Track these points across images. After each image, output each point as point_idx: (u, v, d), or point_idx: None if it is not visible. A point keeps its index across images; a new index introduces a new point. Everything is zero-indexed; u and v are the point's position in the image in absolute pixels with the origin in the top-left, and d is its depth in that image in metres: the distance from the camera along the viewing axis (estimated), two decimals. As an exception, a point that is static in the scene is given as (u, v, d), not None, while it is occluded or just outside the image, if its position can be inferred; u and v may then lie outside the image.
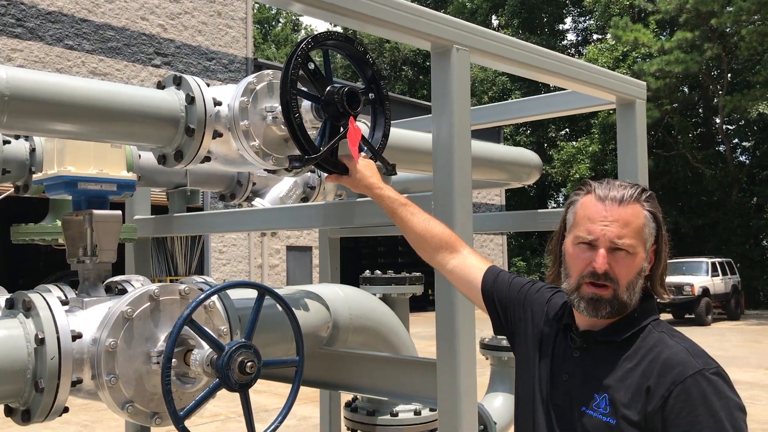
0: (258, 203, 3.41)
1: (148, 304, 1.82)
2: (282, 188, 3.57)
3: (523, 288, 1.87)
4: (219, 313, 1.96)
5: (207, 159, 2.10)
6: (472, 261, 1.96)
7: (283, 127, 2.04)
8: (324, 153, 1.86)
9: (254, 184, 3.46)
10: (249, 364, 1.71)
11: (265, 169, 2.23)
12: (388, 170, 2.04)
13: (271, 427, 1.85)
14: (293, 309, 1.99)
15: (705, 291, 21.82)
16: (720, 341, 17.09)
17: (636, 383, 1.52)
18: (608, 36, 33.18)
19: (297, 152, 1.92)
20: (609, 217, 1.58)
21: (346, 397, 3.47)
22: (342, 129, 1.91)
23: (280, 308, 2.50)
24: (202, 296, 1.73)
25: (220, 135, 2.05)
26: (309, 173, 3.68)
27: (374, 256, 28.63)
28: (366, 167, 1.99)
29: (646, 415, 1.48)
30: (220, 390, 1.75)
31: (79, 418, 8.86)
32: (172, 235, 3.35)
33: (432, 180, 2.25)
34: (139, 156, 2.89)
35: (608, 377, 1.56)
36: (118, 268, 2.73)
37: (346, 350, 2.68)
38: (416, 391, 2.43)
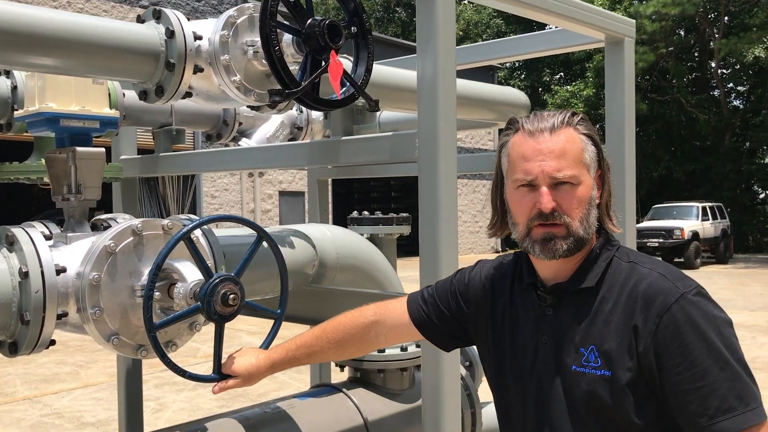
0: (244, 143, 3.39)
1: (131, 238, 1.83)
2: (269, 128, 3.55)
3: (451, 289, 1.76)
4: (204, 248, 1.97)
5: (188, 95, 2.07)
6: (388, 314, 1.81)
7: (264, 61, 2.02)
8: (305, 87, 1.85)
9: (241, 124, 3.44)
10: (232, 296, 1.72)
11: (247, 106, 2.21)
12: (371, 106, 2.02)
13: None
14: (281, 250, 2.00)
15: (695, 235, 22.08)
16: (707, 284, 17.18)
17: (621, 324, 1.42)
18: (605, -23, 32.57)
19: (278, 87, 1.91)
20: (543, 150, 1.45)
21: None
22: (323, 63, 1.90)
23: (265, 245, 2.52)
24: (195, 223, 1.73)
25: (201, 70, 2.02)
26: (297, 113, 3.67)
27: (367, 201, 28.70)
28: (243, 362, 1.82)
29: (638, 355, 1.40)
30: (197, 314, 1.75)
31: (75, 359, 9.00)
32: (158, 175, 3.35)
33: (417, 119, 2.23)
34: (123, 95, 2.86)
35: (590, 327, 1.46)
36: (107, 209, 2.74)
37: (331, 287, 2.71)
38: (400, 326, 2.46)
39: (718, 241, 23.76)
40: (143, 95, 2.07)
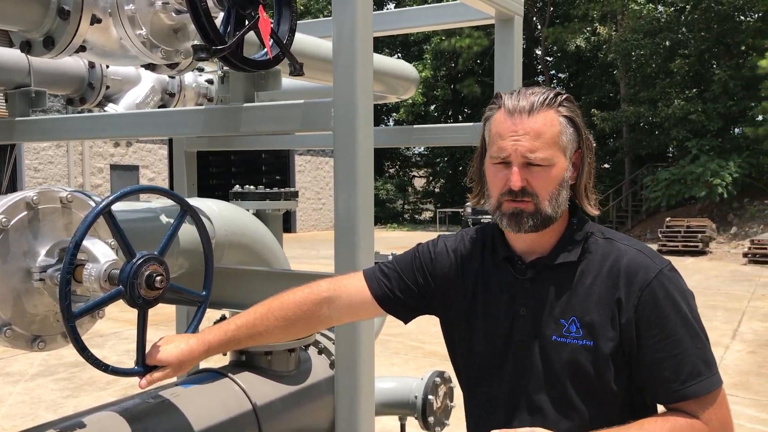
0: (111, 109, 3.09)
1: (25, 212, 1.55)
2: (138, 94, 3.26)
3: (415, 263, 1.74)
4: (104, 226, 1.73)
5: (82, 49, 1.81)
6: (344, 290, 1.74)
7: (173, 15, 1.81)
8: (232, 45, 1.66)
9: (108, 87, 3.12)
10: (159, 278, 1.51)
11: (146, 65, 1.97)
12: (296, 69, 1.87)
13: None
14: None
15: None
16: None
17: (603, 297, 1.50)
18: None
19: (193, 43, 1.71)
20: (519, 131, 1.49)
21: (214, 315, 3.32)
22: (248, 20, 1.71)
23: (164, 221, 2.29)
24: (116, 195, 1.50)
25: (99, 21, 1.77)
26: (169, 78, 3.38)
27: (206, 176, 27.76)
28: (171, 350, 1.64)
29: (621, 326, 1.48)
30: (118, 299, 1.53)
31: None
32: (14, 142, 2.95)
33: (325, 88, 2.10)
34: (-28, 48, 2.48)
35: (570, 300, 1.52)
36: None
37: (230, 266, 2.53)
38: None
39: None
40: (26, 47, 1.78)
